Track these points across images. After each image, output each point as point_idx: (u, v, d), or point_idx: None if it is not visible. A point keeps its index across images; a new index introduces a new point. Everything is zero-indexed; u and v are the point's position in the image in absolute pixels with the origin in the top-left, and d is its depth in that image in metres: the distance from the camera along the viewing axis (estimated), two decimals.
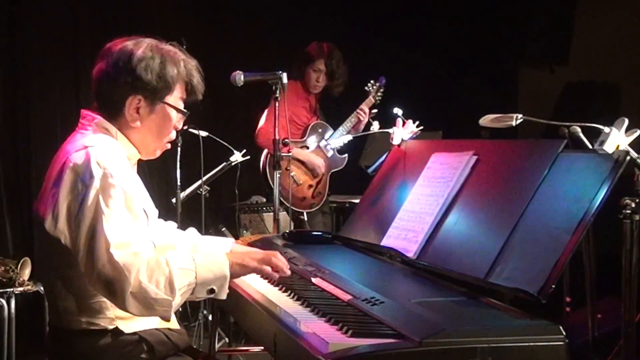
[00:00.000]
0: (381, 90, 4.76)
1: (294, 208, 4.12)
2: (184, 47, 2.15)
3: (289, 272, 2.12)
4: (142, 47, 2.03)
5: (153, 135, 2.11)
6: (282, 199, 3.94)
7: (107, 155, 1.95)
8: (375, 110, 4.70)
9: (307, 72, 4.67)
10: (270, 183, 4.53)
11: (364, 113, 4.67)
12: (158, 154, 2.19)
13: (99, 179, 1.90)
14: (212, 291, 1.97)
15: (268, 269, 2.08)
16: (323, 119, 4.84)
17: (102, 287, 1.88)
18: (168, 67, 2.05)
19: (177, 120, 2.13)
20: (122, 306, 1.88)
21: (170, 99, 2.09)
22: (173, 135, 2.17)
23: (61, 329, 2.05)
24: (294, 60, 4.75)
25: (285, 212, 4.18)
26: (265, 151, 4.55)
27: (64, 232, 1.92)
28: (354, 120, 4.67)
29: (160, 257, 1.91)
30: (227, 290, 2.00)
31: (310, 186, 4.67)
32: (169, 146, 2.20)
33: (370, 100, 4.73)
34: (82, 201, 1.89)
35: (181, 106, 2.13)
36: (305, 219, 4.64)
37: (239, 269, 2.05)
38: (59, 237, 1.93)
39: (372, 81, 4.78)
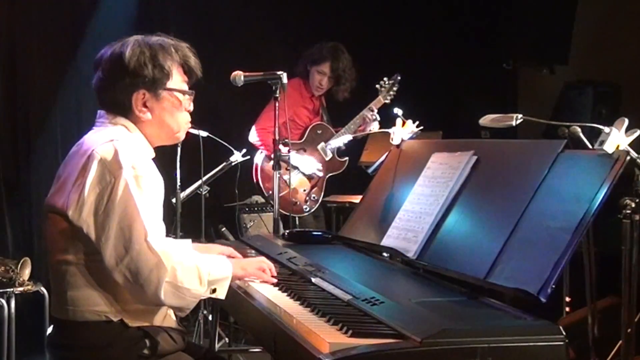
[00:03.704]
0: (394, 88, 4.50)
1: (284, 212, 3.90)
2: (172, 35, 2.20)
3: (274, 272, 2.28)
4: (129, 45, 2.10)
5: (167, 120, 2.17)
6: (272, 202, 3.77)
7: (133, 149, 2.02)
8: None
9: (311, 72, 4.57)
10: (264, 192, 4.50)
11: (372, 114, 4.43)
12: (182, 136, 2.24)
13: (128, 169, 1.96)
14: (214, 290, 2.05)
15: (263, 273, 2.24)
16: (328, 120, 4.72)
17: (132, 276, 1.91)
18: (160, 56, 2.11)
19: (186, 101, 2.19)
20: (154, 295, 1.92)
21: (171, 84, 2.14)
22: (188, 117, 2.22)
23: (65, 320, 2.06)
24: (300, 58, 4.63)
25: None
26: (256, 161, 4.48)
27: (86, 222, 1.95)
28: (359, 122, 4.49)
29: (184, 253, 2.01)
30: (226, 291, 2.08)
31: (305, 190, 4.57)
32: (189, 126, 2.26)
33: (380, 100, 4.49)
34: (112, 191, 1.93)
35: (186, 88, 2.19)
36: (297, 222, 4.51)
37: (240, 271, 2.18)
38: (82, 226, 1.96)
39: (385, 78, 4.53)
